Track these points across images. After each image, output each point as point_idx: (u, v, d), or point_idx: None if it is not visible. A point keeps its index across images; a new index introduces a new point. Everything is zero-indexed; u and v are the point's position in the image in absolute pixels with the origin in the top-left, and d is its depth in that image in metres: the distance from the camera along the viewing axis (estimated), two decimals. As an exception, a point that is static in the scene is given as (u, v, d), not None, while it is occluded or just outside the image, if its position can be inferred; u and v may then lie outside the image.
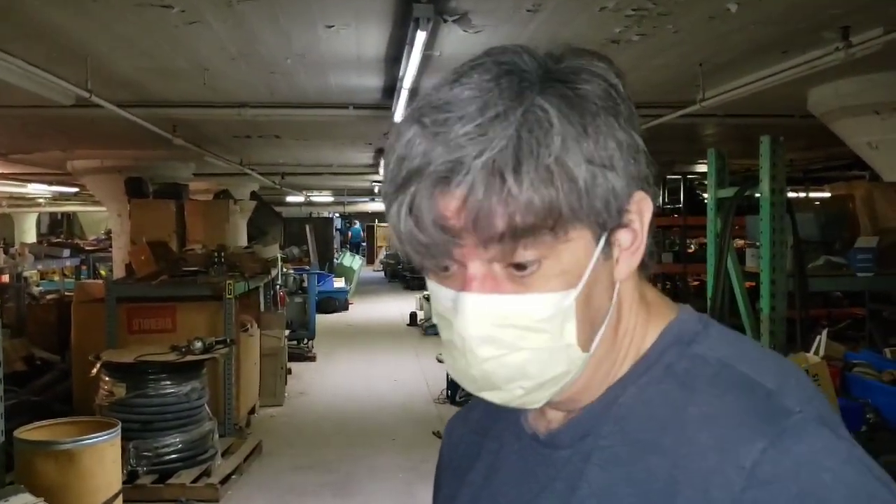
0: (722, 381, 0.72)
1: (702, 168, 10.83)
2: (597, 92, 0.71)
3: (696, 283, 9.79)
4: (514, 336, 0.71)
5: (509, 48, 0.73)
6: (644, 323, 0.80)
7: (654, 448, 0.71)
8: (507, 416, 0.89)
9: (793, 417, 0.68)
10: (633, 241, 0.75)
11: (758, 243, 3.90)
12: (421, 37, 3.83)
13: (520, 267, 0.70)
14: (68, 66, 4.59)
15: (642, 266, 0.78)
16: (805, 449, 0.66)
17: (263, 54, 4.78)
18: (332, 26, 4.17)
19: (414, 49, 4.09)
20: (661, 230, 9.94)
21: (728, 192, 4.15)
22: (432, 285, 0.76)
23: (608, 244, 0.73)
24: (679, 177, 9.93)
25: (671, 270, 9.34)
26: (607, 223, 0.71)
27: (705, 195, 8.14)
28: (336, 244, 23.77)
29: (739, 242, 5.77)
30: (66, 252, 11.83)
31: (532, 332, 0.71)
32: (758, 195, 3.78)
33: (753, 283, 4.17)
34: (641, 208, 0.75)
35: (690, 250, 10.05)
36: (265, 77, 5.44)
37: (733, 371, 0.73)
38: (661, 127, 6.47)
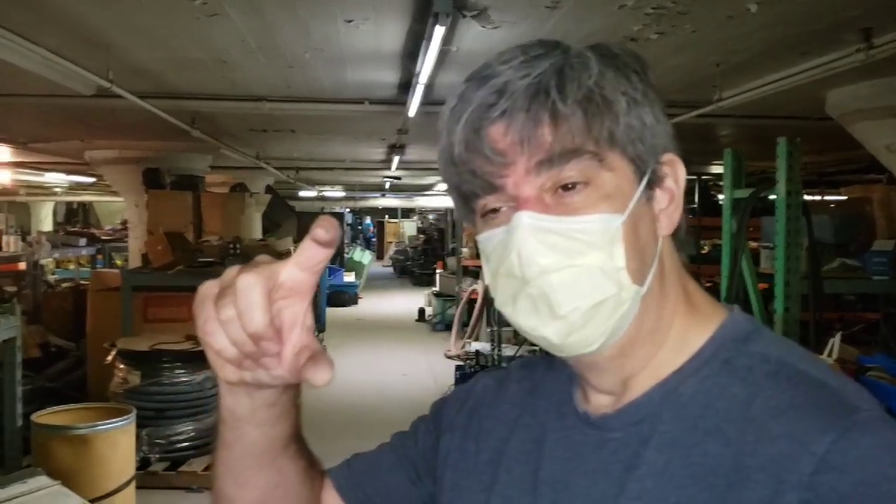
0: (786, 377, 0.75)
1: (716, 169, 10.80)
2: (626, 56, 0.79)
3: (709, 284, 9.74)
4: (570, 251, 0.75)
5: (552, 40, 0.79)
6: (689, 312, 0.83)
7: (716, 435, 0.74)
8: (549, 396, 0.91)
9: (861, 413, 0.71)
10: (669, 202, 0.81)
11: (773, 245, 3.91)
12: (439, 32, 3.85)
13: (567, 188, 0.75)
14: (89, 55, 4.63)
15: (680, 247, 0.83)
16: (872, 443, 0.68)
17: (282, 48, 4.80)
18: (352, 21, 4.19)
19: (432, 44, 4.11)
20: (674, 231, 9.88)
21: (744, 193, 4.15)
22: (483, 235, 0.80)
23: (649, 188, 0.78)
24: (694, 177, 9.91)
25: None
26: (646, 160, 0.77)
27: (720, 196, 8.12)
28: (347, 239, 23.82)
29: (752, 244, 5.76)
30: (83, 241, 11.94)
31: (586, 248, 0.74)
32: (774, 196, 3.79)
33: (767, 285, 4.17)
34: (675, 169, 0.81)
35: (704, 251, 10.03)
36: (283, 71, 5.46)
37: (794, 368, 0.76)
38: (676, 127, 6.43)
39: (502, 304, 0.79)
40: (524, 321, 0.77)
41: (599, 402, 0.85)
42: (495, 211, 0.78)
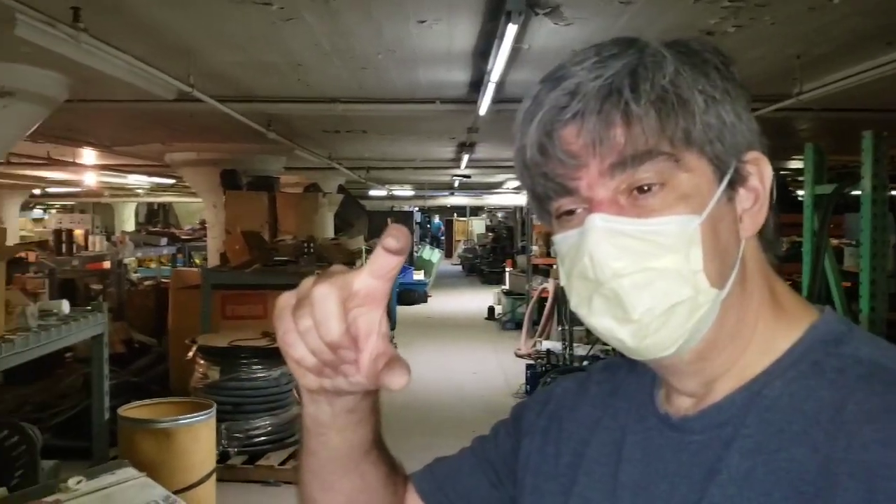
0: (880, 380, 0.72)
1: (795, 164, 10.50)
2: (706, 53, 0.77)
3: (788, 282, 9.48)
4: (644, 254, 0.74)
5: (629, 35, 0.78)
6: (772, 313, 0.81)
7: (802, 440, 0.72)
8: (630, 397, 0.90)
9: None
10: (754, 202, 0.78)
11: (857, 242, 3.79)
12: (512, 30, 3.85)
13: (642, 190, 0.73)
14: (172, 61, 4.78)
15: (767, 247, 0.81)
16: None
17: (356, 50, 4.87)
18: (425, 21, 4.22)
19: (504, 43, 4.11)
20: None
21: (826, 189, 4.04)
22: (558, 237, 0.80)
23: (731, 188, 0.76)
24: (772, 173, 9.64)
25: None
26: (726, 162, 0.75)
27: (798, 192, 7.90)
28: (416, 237, 23.96)
29: (834, 241, 5.59)
30: (163, 241, 12.33)
31: (661, 251, 0.73)
32: (858, 192, 3.68)
33: (851, 283, 4.05)
34: (760, 167, 0.78)
35: (783, 249, 9.78)
36: (356, 72, 5.54)
37: (889, 372, 0.73)
38: (756, 121, 6.30)
39: (578, 305, 0.79)
40: (599, 323, 0.77)
41: (681, 404, 0.83)
42: (570, 213, 0.78)
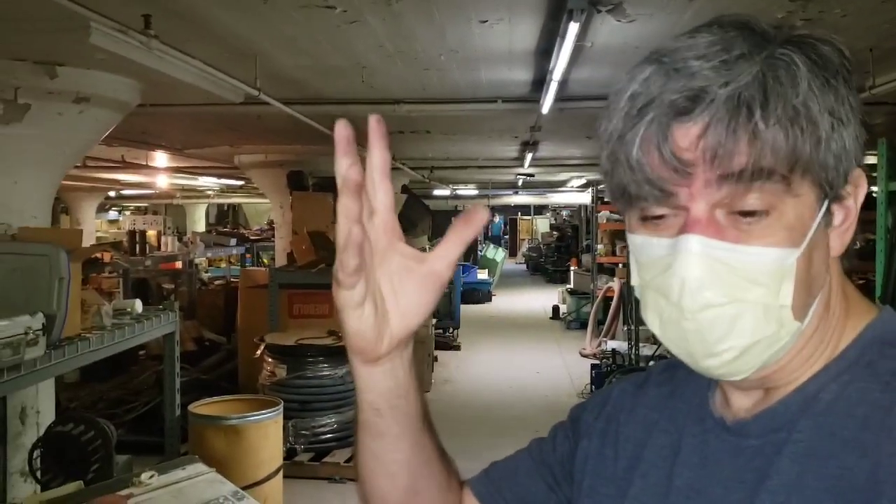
0: None
1: (870, 160, 10.16)
2: (834, 56, 0.71)
3: (861, 281, 9.22)
4: (735, 286, 0.70)
5: (740, 15, 0.73)
6: (843, 317, 0.78)
7: (853, 446, 0.70)
8: (688, 399, 0.89)
9: None
10: (844, 220, 0.75)
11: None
12: (573, 28, 3.82)
13: (746, 214, 0.69)
14: (239, 65, 4.89)
15: (845, 254, 0.78)
16: None
17: (418, 51, 4.90)
18: (486, 21, 4.23)
19: (566, 41, 4.08)
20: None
21: (901, 185, 3.91)
22: (638, 238, 0.76)
23: (828, 212, 0.73)
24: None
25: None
26: (834, 185, 0.71)
27: (872, 188, 7.65)
28: (480, 237, 23.97)
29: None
30: (233, 241, 12.61)
31: (752, 284, 0.70)
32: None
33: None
34: (858, 185, 0.74)
35: (856, 247, 9.48)
36: (419, 73, 5.58)
37: None
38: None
39: (649, 319, 0.77)
40: (672, 345, 0.75)
41: (740, 405, 0.81)
42: (660, 217, 0.73)
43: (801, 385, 0.77)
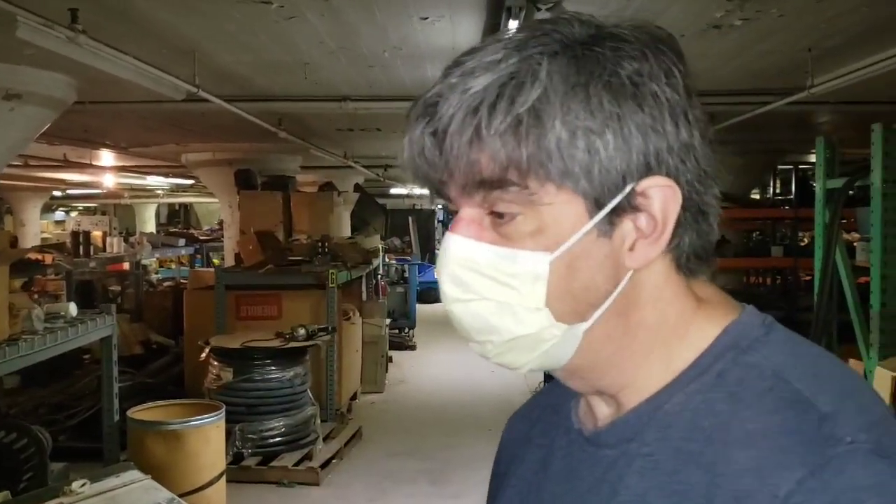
0: (772, 398, 0.67)
1: (810, 158, 10.36)
2: (636, 71, 0.68)
3: (807, 277, 9.39)
4: (482, 284, 0.71)
5: (569, 16, 0.72)
6: (686, 323, 0.75)
7: (697, 460, 0.67)
8: (560, 410, 0.87)
9: (840, 447, 0.61)
10: (653, 230, 0.70)
11: (869, 236, 3.71)
12: (513, 26, 3.80)
13: (498, 216, 0.70)
14: (177, 61, 4.79)
15: (698, 261, 0.75)
16: (847, 483, 0.60)
17: (361, 47, 4.85)
18: (427, 18, 4.19)
19: (507, 39, 4.06)
20: (771, 222, 9.58)
21: (837, 183, 3.96)
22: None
23: (610, 224, 0.70)
24: (790, 167, 9.52)
25: (781, 264, 8.98)
26: (601, 193, 0.68)
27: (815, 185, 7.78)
28: (438, 236, 23.96)
29: (855, 236, 5.49)
30: (181, 241, 12.40)
31: (500, 284, 0.71)
32: (869, 185, 3.59)
33: (868, 279, 3.97)
34: (665, 196, 0.70)
35: (803, 243, 9.64)
36: (364, 70, 5.52)
37: (788, 387, 0.67)
38: (770, 115, 6.20)
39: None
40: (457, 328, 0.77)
41: (600, 413, 0.80)
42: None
43: (653, 395, 0.74)
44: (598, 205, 0.69)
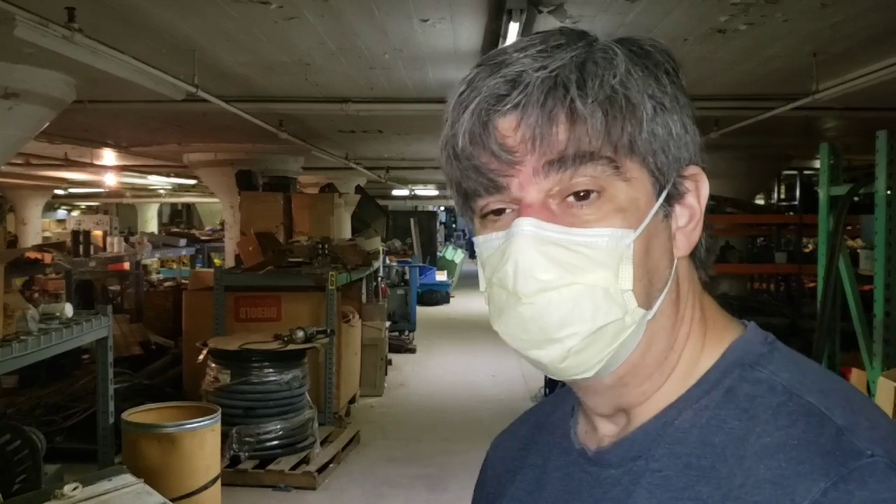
0: (787, 412, 0.66)
1: (814, 164, 10.31)
2: (657, 54, 0.72)
3: (812, 284, 9.34)
4: (571, 267, 0.68)
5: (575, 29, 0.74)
6: (700, 333, 0.75)
7: (708, 476, 0.67)
8: (555, 430, 0.85)
9: (862, 460, 0.61)
10: (689, 220, 0.74)
11: (873, 244, 3.66)
12: (514, 28, 3.77)
13: (578, 196, 0.68)
14: (177, 61, 4.76)
15: (699, 266, 0.77)
16: (870, 495, 0.59)
17: (362, 49, 4.81)
18: (427, 20, 4.15)
19: (507, 41, 4.02)
20: (775, 228, 9.52)
21: (841, 190, 3.91)
22: (480, 238, 0.74)
23: (668, 204, 0.72)
24: (795, 172, 9.46)
25: (785, 271, 8.93)
26: (666, 173, 0.70)
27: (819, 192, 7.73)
28: (440, 237, 23.93)
29: (860, 243, 5.43)
30: (182, 242, 12.38)
31: (589, 265, 0.68)
32: (874, 192, 3.54)
33: (872, 287, 3.92)
34: (699, 184, 0.73)
35: (807, 250, 9.59)
36: (365, 72, 5.49)
37: (801, 401, 0.67)
38: (775, 120, 6.15)
39: (492, 316, 0.73)
40: (512, 341, 0.71)
41: (605, 433, 0.78)
42: (497, 213, 0.72)
43: (660, 412, 0.74)
44: (661, 185, 0.71)
